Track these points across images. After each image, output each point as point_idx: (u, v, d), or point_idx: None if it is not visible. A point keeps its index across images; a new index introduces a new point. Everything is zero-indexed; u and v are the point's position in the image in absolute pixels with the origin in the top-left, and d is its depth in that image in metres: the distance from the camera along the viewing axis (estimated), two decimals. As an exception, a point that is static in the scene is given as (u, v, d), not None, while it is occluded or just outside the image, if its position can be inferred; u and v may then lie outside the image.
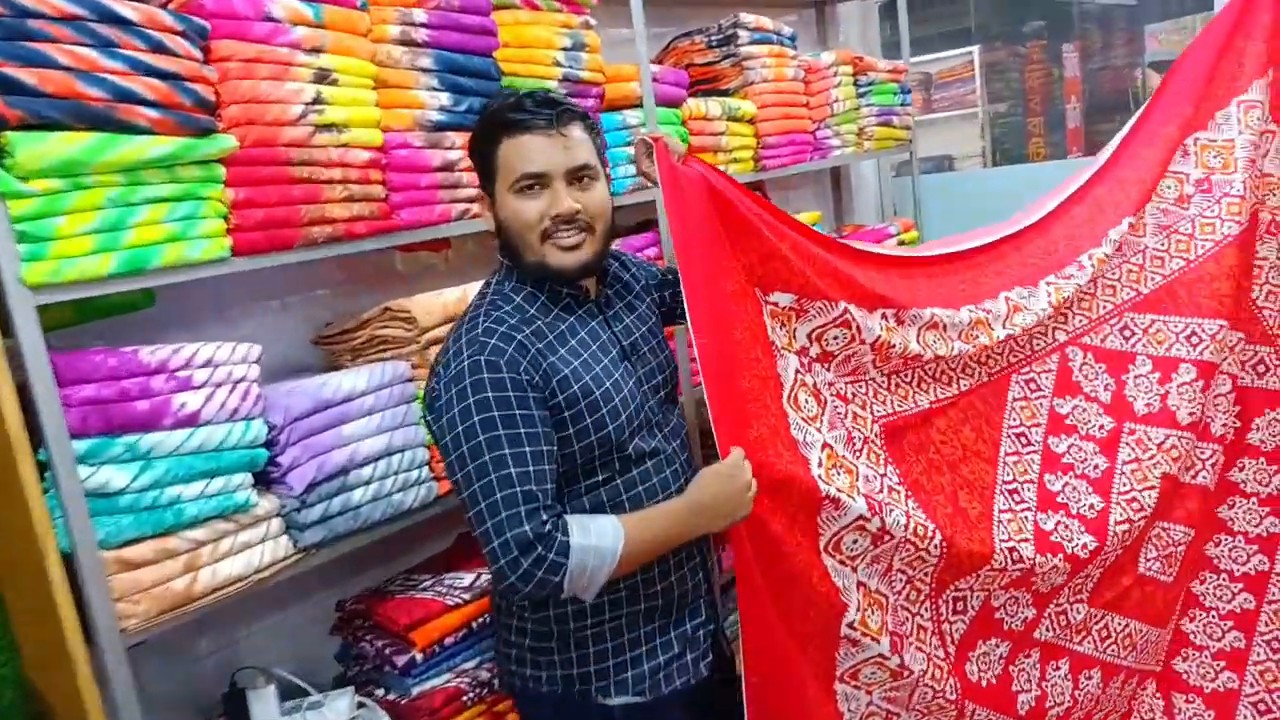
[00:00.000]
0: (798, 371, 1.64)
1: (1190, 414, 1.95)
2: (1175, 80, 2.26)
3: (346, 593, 2.07)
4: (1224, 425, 2.05)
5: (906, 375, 1.82)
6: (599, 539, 1.31)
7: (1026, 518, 1.86)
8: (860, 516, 1.59)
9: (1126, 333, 2.06)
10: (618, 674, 1.47)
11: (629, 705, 1.47)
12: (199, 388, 1.53)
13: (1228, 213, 2.10)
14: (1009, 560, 1.77)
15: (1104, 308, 2.07)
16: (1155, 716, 2.09)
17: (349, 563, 2.07)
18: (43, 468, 1.41)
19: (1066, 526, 1.87)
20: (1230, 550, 2.11)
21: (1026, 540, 1.81)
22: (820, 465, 1.57)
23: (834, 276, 1.67)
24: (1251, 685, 2.09)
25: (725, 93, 2.70)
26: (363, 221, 1.75)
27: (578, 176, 1.42)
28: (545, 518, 1.28)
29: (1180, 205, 2.14)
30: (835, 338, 1.68)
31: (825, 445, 1.60)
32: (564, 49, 2.11)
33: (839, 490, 1.57)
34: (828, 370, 1.69)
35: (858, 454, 1.67)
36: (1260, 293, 2.13)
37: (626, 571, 1.37)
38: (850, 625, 1.61)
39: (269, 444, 1.65)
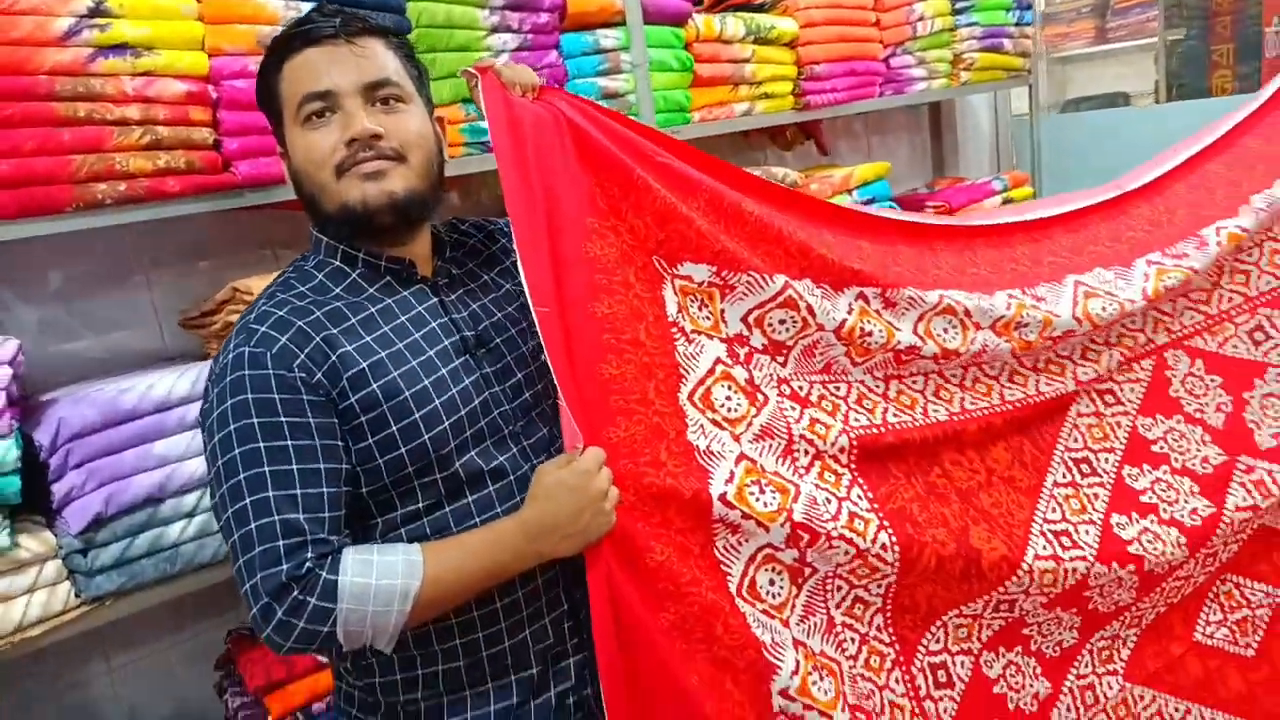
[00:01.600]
0: (720, 361, 1.27)
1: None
2: None
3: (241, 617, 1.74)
4: None
5: (913, 380, 1.38)
6: (382, 576, 1.02)
7: (1077, 567, 1.34)
8: (769, 545, 1.22)
9: (1259, 335, 1.58)
10: None
11: None
12: (-87, 397, 1.17)
13: None
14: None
15: (1230, 300, 1.59)
16: None
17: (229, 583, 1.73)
18: None
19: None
20: None
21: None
22: (730, 481, 1.20)
23: (774, 243, 1.31)
24: None
25: (759, 8, 2.12)
26: (176, 176, 1.34)
27: (380, 97, 1.12)
28: (310, 555, 1.00)
29: None
30: (781, 322, 1.30)
31: (743, 458, 1.22)
32: (501, -56, 1.61)
33: (759, 512, 1.20)
34: (781, 365, 1.30)
35: (803, 473, 1.26)
36: None
37: (433, 614, 1.08)
38: (785, 694, 1.19)
39: (41, 468, 1.28)
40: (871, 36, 2.33)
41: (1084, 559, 1.37)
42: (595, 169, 1.23)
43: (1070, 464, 1.46)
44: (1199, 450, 1.51)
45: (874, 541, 1.25)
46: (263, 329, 1.05)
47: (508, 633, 1.15)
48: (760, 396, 1.28)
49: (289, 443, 1.02)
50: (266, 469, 1.01)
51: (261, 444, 1.01)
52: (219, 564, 1.44)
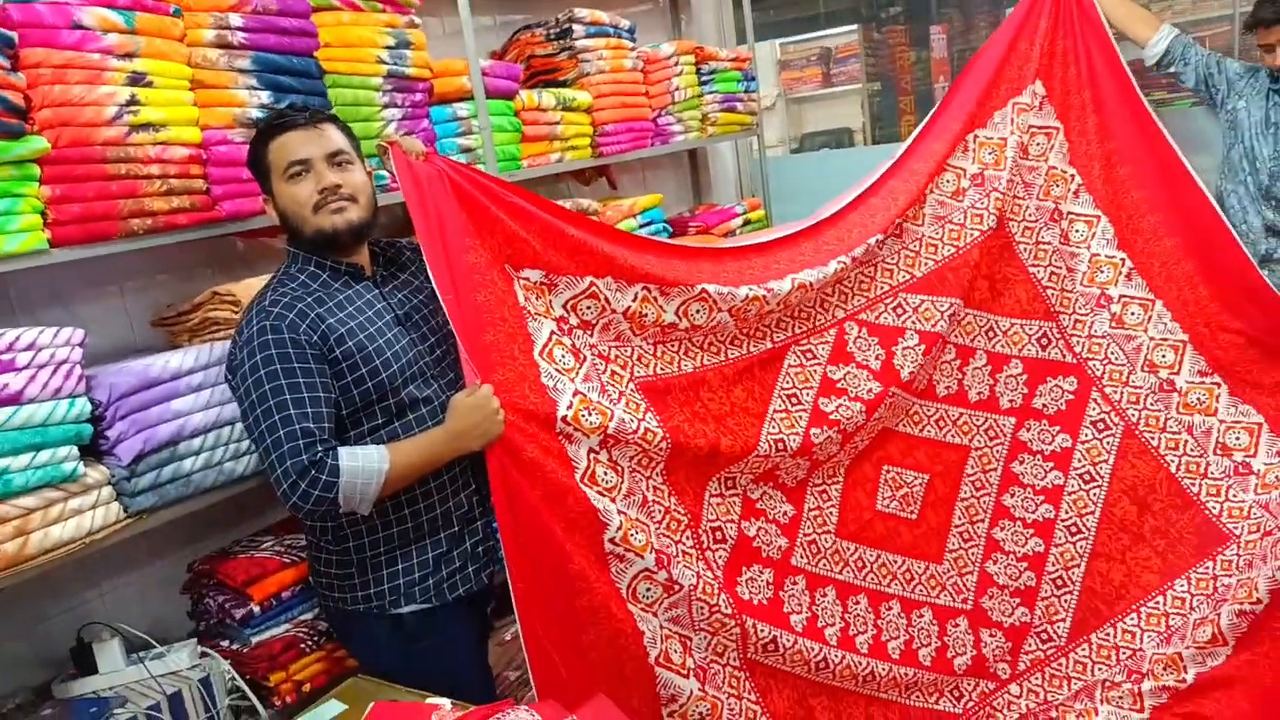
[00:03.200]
0: (553, 333, 1.90)
1: (910, 373, 2.29)
2: (968, 78, 2.53)
3: (203, 553, 2.24)
4: (1010, 399, 2.37)
5: (672, 344, 2.07)
6: (365, 462, 1.62)
7: (784, 454, 2.14)
8: (592, 448, 1.87)
9: (899, 310, 2.34)
10: (407, 588, 1.78)
11: (417, 611, 1.79)
12: (21, 369, 1.67)
13: (995, 206, 2.38)
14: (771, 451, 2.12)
15: (880, 288, 2.34)
16: (966, 650, 2.37)
17: (204, 525, 2.24)
18: None
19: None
20: (1023, 501, 2.41)
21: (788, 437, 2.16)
22: (570, 408, 1.83)
23: (587, 255, 1.93)
24: (1039, 619, 2.38)
25: (563, 83, 2.88)
26: (184, 213, 1.90)
27: (336, 161, 1.73)
28: (320, 449, 1.59)
29: (956, 198, 2.41)
30: (588, 308, 1.96)
31: (577, 393, 1.87)
32: (388, 47, 2.27)
33: (586, 427, 1.84)
34: (590, 335, 1.97)
35: (614, 402, 1.92)
36: (1044, 273, 2.41)
37: (396, 487, 1.68)
38: (612, 540, 1.86)
39: (97, 420, 1.80)
40: (643, 103, 3.12)
41: (783, 454, 2.12)
42: (466, 206, 1.85)
43: (784, 398, 2.21)
44: (866, 385, 2.27)
45: (657, 445, 1.94)
46: (276, 309, 1.66)
47: (438, 503, 1.80)
48: (581, 356, 1.94)
49: (300, 380, 1.63)
50: (288, 397, 1.61)
51: (283, 380, 1.61)
52: (218, 488, 1.99)
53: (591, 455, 1.87)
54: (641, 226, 3.04)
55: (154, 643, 1.98)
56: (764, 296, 2.13)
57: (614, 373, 1.98)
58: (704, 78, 3.36)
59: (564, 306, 1.94)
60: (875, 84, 6.40)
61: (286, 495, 1.60)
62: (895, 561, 2.34)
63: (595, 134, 2.92)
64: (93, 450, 1.83)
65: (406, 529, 1.79)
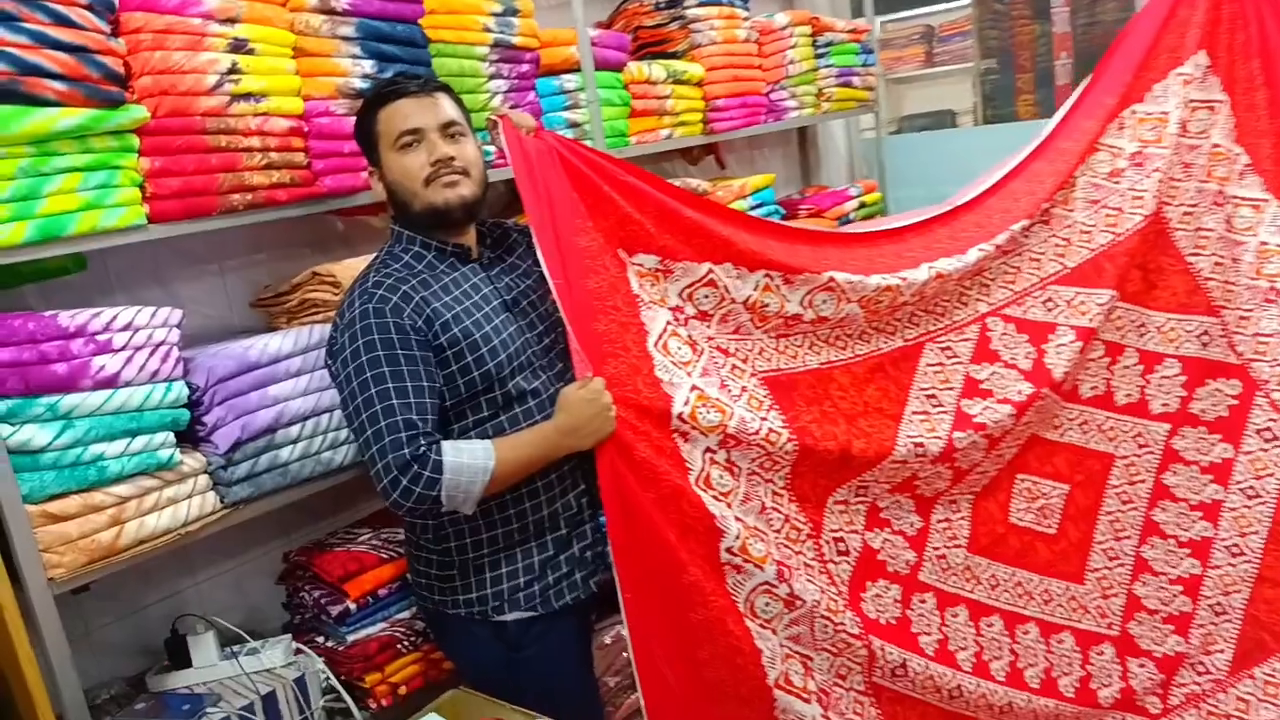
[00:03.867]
0: (669, 323, 1.77)
1: (1064, 373, 2.04)
2: (1120, 49, 2.27)
3: (298, 543, 2.17)
4: (1163, 403, 2.12)
5: (796, 338, 1.90)
6: (470, 458, 1.50)
7: (924, 459, 1.94)
8: (709, 448, 1.73)
9: (1050, 304, 2.11)
10: (511, 594, 1.66)
11: (521, 620, 1.67)
12: (118, 351, 1.60)
13: (1155, 188, 2.13)
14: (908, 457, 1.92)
15: (1029, 280, 2.11)
16: (1112, 680, 2.13)
17: (301, 514, 2.17)
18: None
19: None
20: (1176, 517, 2.14)
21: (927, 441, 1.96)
22: (686, 404, 1.69)
23: (704, 238, 1.78)
24: (1195, 649, 2.13)
25: (673, 55, 2.71)
26: (284, 189, 1.81)
27: (449, 133, 1.62)
28: (423, 443, 1.47)
29: (1112, 179, 2.16)
30: (706, 296, 1.81)
31: (694, 388, 1.72)
32: (494, 14, 2.14)
33: (704, 425, 1.70)
34: (707, 326, 1.82)
35: (735, 399, 1.77)
36: (1206, 264, 2.16)
37: (501, 486, 1.56)
38: (730, 550, 1.71)
39: (194, 405, 1.72)
40: (756, 76, 2.94)
41: (921, 460, 1.91)
42: (578, 186, 1.73)
43: (923, 398, 2.01)
44: (1015, 386, 2.03)
45: (781, 446, 1.77)
46: (380, 291, 1.55)
47: (545, 504, 1.67)
48: (698, 348, 1.79)
49: (404, 368, 1.51)
50: (390, 385, 1.49)
51: (386, 369, 1.50)
52: (316, 478, 1.90)
53: (708, 456, 1.73)
54: (753, 209, 2.86)
55: (247, 636, 1.91)
56: (898, 286, 1.94)
57: (734, 367, 1.83)
58: (819, 50, 3.17)
59: (680, 295, 1.80)
60: (989, 61, 6.05)
61: (387, 491, 1.49)
62: (1031, 580, 2.12)
63: (707, 109, 2.75)
64: (189, 437, 1.75)
65: (511, 531, 1.67)
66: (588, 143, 2.40)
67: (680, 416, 1.69)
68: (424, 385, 1.53)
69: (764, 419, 1.79)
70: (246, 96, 1.74)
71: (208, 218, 1.71)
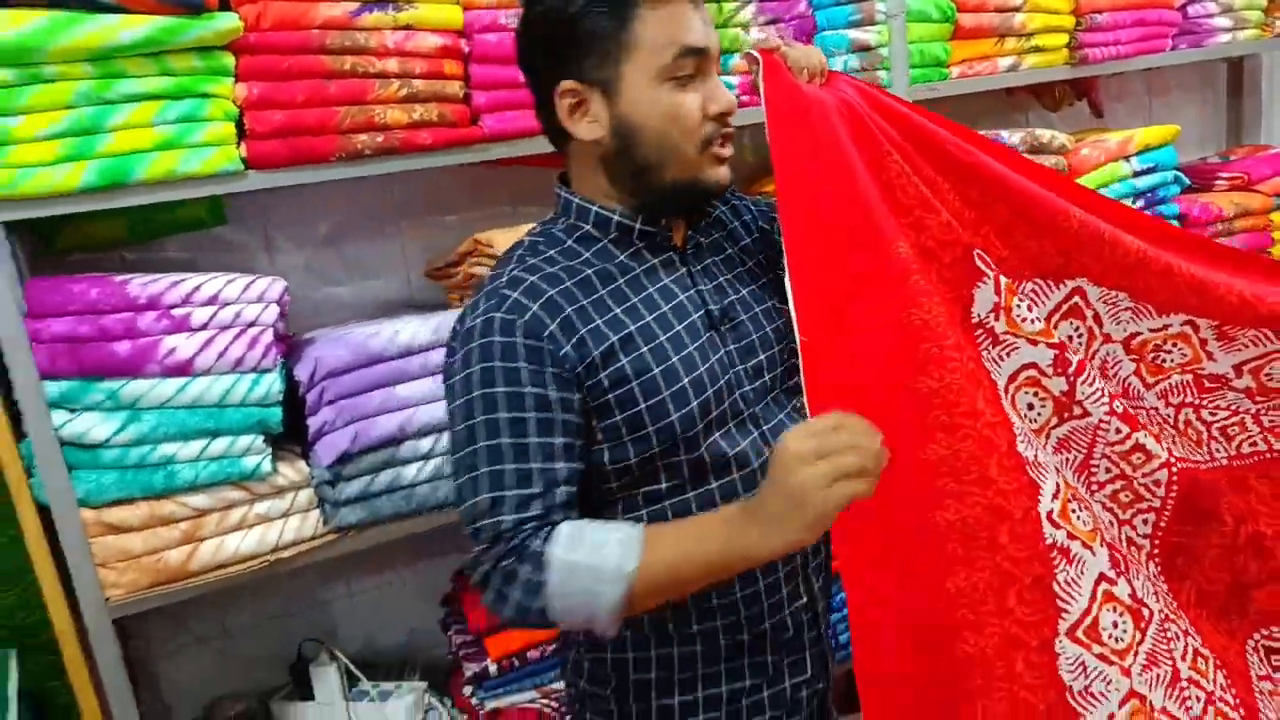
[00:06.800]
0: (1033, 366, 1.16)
1: None
2: None
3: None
4: None
5: (1221, 412, 1.16)
6: (596, 555, 0.92)
7: None
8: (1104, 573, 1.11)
9: None
10: None
11: None
12: (196, 330, 1.28)
13: None
14: None
15: None
16: None
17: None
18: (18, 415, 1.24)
19: None
20: None
21: None
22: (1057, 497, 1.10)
23: (1099, 249, 1.16)
24: None
25: (1033, -51, 1.90)
26: (429, 129, 1.37)
27: (713, 70, 1.05)
28: (531, 525, 0.94)
29: None
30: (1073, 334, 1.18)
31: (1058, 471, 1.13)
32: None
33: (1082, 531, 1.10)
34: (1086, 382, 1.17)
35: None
36: None
37: (655, 602, 0.96)
38: None
39: (300, 403, 1.36)
40: (1166, -19, 2.04)
41: None
42: (889, 165, 1.13)
43: None
44: None
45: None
46: (514, 295, 1.00)
47: (748, 623, 1.09)
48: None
49: (531, 415, 0.98)
50: (505, 441, 0.97)
51: (502, 415, 0.97)
52: (451, 506, 1.49)
53: (1100, 589, 1.12)
54: (1137, 175, 1.98)
55: (360, 675, 1.58)
56: None
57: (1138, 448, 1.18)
58: (1280, -58, 2.13)
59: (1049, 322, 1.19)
60: None
61: (480, 590, 0.97)
62: None
63: (1079, 29, 1.92)
64: (300, 442, 1.40)
65: (693, 652, 1.10)
66: (883, 75, 1.73)
67: (1050, 517, 1.09)
68: (553, 443, 0.98)
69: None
70: (383, 3, 1.31)
71: (323, 164, 1.32)
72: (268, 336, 1.32)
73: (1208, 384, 1.20)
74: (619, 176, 1.05)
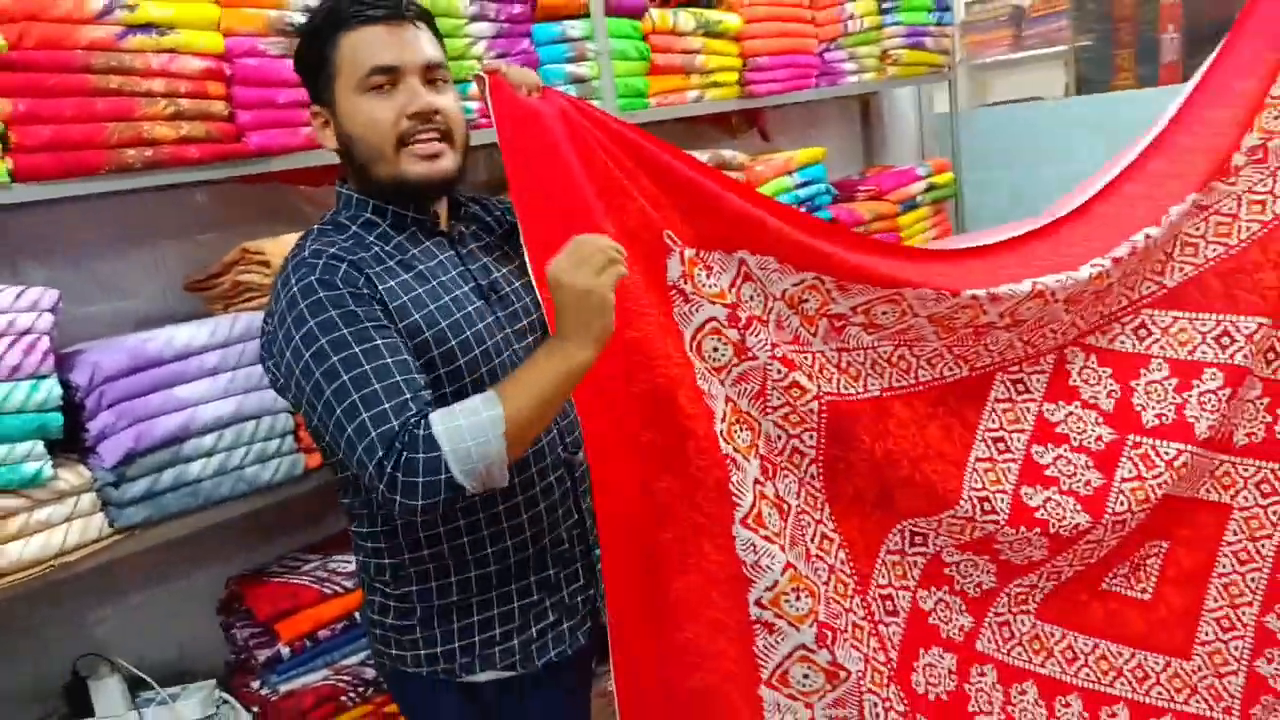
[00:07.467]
0: (713, 320, 1.44)
1: (1210, 427, 1.64)
2: (1246, 25, 1.86)
3: (255, 564, 1.89)
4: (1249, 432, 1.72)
5: (859, 353, 1.54)
6: (468, 416, 1.09)
7: (997, 520, 1.56)
8: (757, 478, 1.42)
9: (1143, 331, 1.72)
10: (485, 649, 1.31)
11: (499, 680, 1.32)
12: (-35, 339, 1.29)
13: None
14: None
15: (1118, 303, 1.72)
16: None
17: (250, 531, 1.87)
18: None
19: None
20: None
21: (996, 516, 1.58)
22: (724, 419, 1.40)
23: (753, 227, 1.45)
24: None
25: (706, 4, 2.32)
26: (196, 144, 1.47)
27: (431, 78, 1.24)
28: (412, 417, 1.09)
29: (1225, 180, 1.74)
30: (751, 297, 1.47)
31: (728, 399, 1.43)
32: (479, -60, 1.77)
33: (743, 445, 1.42)
34: (765, 330, 1.47)
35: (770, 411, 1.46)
36: None
37: (534, 432, 1.16)
38: (760, 604, 1.40)
39: (78, 409, 1.40)
40: (807, 32, 2.53)
41: (994, 522, 1.56)
42: (598, 164, 1.36)
43: (989, 442, 1.65)
44: (1094, 430, 1.68)
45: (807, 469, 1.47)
46: (321, 261, 1.16)
47: (531, 540, 1.30)
48: (750, 354, 1.45)
49: (378, 341, 1.13)
50: (366, 368, 1.11)
51: (355, 349, 1.11)
52: (234, 499, 1.57)
53: (758, 489, 1.41)
54: (799, 187, 2.45)
55: (153, 682, 1.60)
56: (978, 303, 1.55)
57: (794, 384, 1.49)
58: (885, 5, 2.73)
59: (731, 290, 1.48)
60: (1085, 39, 5.51)
61: (386, 497, 1.09)
62: (1121, 655, 1.71)
63: (745, 68, 2.35)
64: (77, 448, 1.43)
65: (488, 573, 1.30)
66: (595, 104, 2.03)
67: (723, 435, 1.37)
68: (405, 359, 1.14)
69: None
70: (147, 28, 1.41)
71: (94, 176, 1.38)
72: (44, 343, 1.35)
73: (836, 323, 1.54)
74: (355, 176, 1.27)
